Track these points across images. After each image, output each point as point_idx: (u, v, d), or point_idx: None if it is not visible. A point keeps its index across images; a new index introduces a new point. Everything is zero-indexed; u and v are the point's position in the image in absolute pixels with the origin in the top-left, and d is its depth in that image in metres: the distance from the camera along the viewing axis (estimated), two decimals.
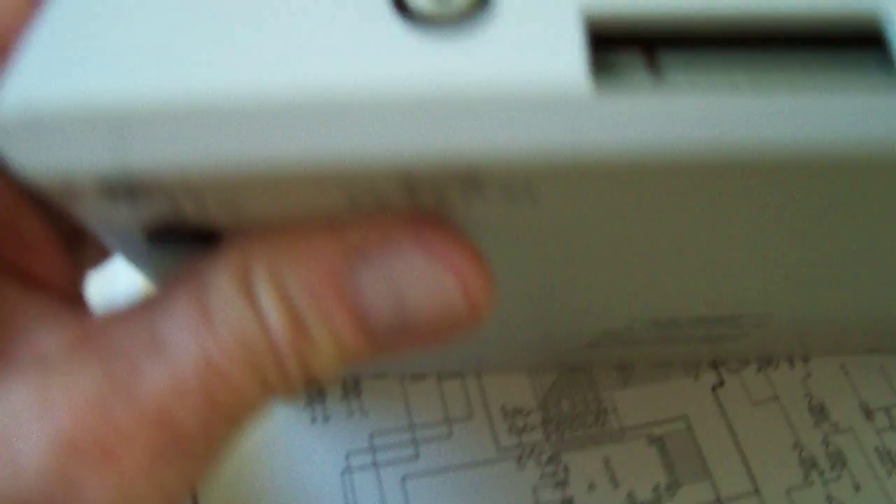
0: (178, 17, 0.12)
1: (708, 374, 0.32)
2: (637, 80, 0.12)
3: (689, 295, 0.22)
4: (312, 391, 0.17)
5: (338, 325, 0.12)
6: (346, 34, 0.12)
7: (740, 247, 0.18)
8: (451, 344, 0.14)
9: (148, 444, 0.12)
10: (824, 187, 0.14)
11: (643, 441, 0.30)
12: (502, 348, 0.28)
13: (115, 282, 0.29)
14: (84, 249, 0.16)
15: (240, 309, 0.12)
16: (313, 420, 0.30)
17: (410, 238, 0.13)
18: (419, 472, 0.29)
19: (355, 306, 0.12)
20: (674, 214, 0.15)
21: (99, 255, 0.17)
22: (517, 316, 0.23)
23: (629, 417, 0.31)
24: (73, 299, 0.15)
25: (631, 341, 0.27)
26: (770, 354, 0.33)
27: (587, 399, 0.31)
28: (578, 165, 0.12)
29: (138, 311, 0.13)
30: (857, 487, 0.30)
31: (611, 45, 0.12)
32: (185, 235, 0.13)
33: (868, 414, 0.32)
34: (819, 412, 0.32)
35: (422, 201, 0.13)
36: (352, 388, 0.31)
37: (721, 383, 0.32)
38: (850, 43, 0.13)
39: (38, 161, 0.11)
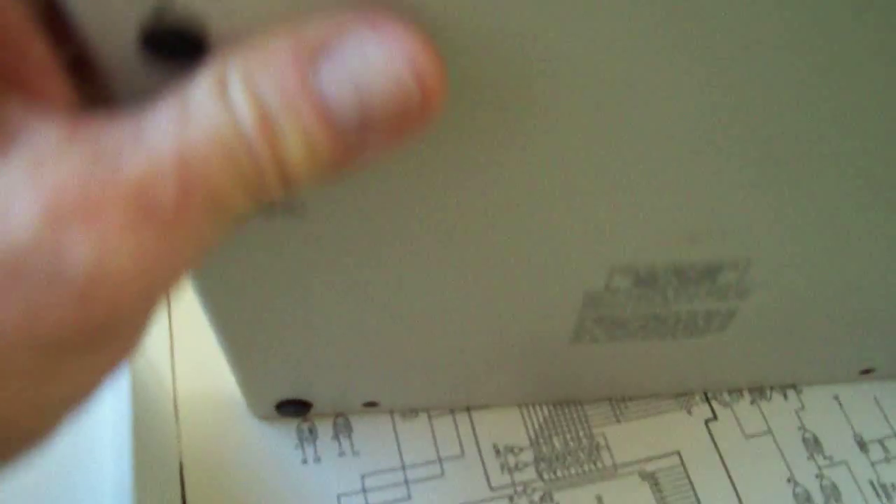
0: None
1: (701, 408, 0.32)
2: None
3: (661, 213, 0.21)
4: (292, 206, 0.16)
5: (304, 119, 0.14)
6: None
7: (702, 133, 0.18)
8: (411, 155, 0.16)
9: (126, 211, 0.13)
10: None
11: (636, 478, 0.30)
12: (487, 350, 0.27)
13: None
14: (85, 86, 0.17)
15: (215, 107, 0.14)
16: (304, 461, 0.30)
17: (365, 26, 0.14)
18: None
19: (319, 101, 0.14)
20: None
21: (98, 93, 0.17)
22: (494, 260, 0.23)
23: (622, 453, 0.31)
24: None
25: (616, 324, 0.26)
26: (761, 381, 0.32)
27: (579, 436, 0.31)
28: None
29: (127, 116, 0.14)
30: None
31: None
32: (177, 44, 0.14)
33: (862, 446, 0.31)
34: (813, 445, 0.31)
35: None
36: (343, 426, 0.31)
37: (714, 417, 0.32)
38: None
39: None
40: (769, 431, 0.32)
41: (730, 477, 0.31)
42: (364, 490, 0.29)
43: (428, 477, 0.30)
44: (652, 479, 0.30)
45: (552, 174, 0.19)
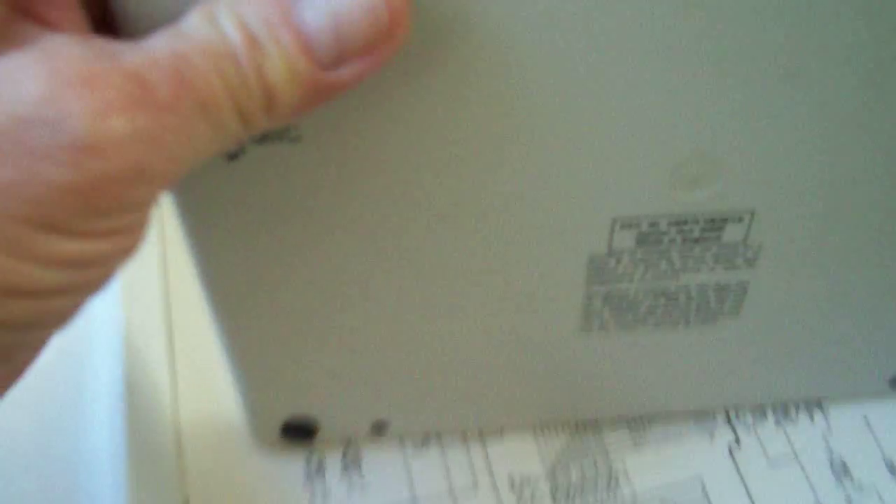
0: None
1: (723, 431, 0.31)
2: None
3: (658, 145, 0.21)
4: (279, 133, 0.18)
5: (286, 46, 0.16)
6: None
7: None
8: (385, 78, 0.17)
9: (122, 90, 0.15)
10: None
11: None
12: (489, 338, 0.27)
13: None
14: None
15: (206, 28, 0.15)
16: (312, 498, 0.29)
17: None
18: None
19: (299, 30, 0.16)
20: None
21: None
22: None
23: (641, 481, 0.30)
24: None
25: (625, 305, 0.25)
26: (783, 394, 0.31)
27: (597, 463, 0.30)
28: None
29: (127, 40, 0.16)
30: None
31: None
32: None
33: (893, 470, 0.30)
34: (841, 469, 0.30)
35: None
36: (352, 459, 0.30)
37: (737, 441, 0.31)
38: None
39: None
40: (795, 456, 0.30)
41: None
42: None
43: None
44: None
45: (545, 113, 0.20)
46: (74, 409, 0.28)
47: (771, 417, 0.31)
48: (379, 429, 0.29)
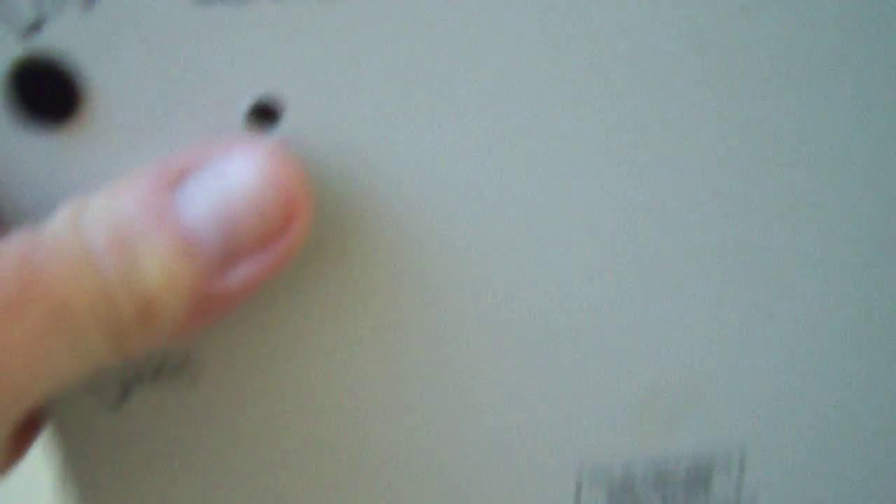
0: None
1: None
2: None
3: (628, 375, 0.18)
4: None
5: (158, 243, 0.13)
6: None
7: None
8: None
9: None
10: None
11: None
12: None
13: None
14: None
15: (65, 229, 0.13)
16: None
17: (225, 147, 0.14)
18: None
19: (176, 227, 0.14)
20: None
21: None
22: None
23: None
24: None
25: None
26: None
27: None
28: None
29: None
30: None
31: None
32: (46, 88, 0.14)
33: None
34: None
35: None
36: None
37: None
38: None
39: None
40: None
41: None
42: None
43: None
44: None
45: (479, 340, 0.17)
46: None
47: None
48: None
